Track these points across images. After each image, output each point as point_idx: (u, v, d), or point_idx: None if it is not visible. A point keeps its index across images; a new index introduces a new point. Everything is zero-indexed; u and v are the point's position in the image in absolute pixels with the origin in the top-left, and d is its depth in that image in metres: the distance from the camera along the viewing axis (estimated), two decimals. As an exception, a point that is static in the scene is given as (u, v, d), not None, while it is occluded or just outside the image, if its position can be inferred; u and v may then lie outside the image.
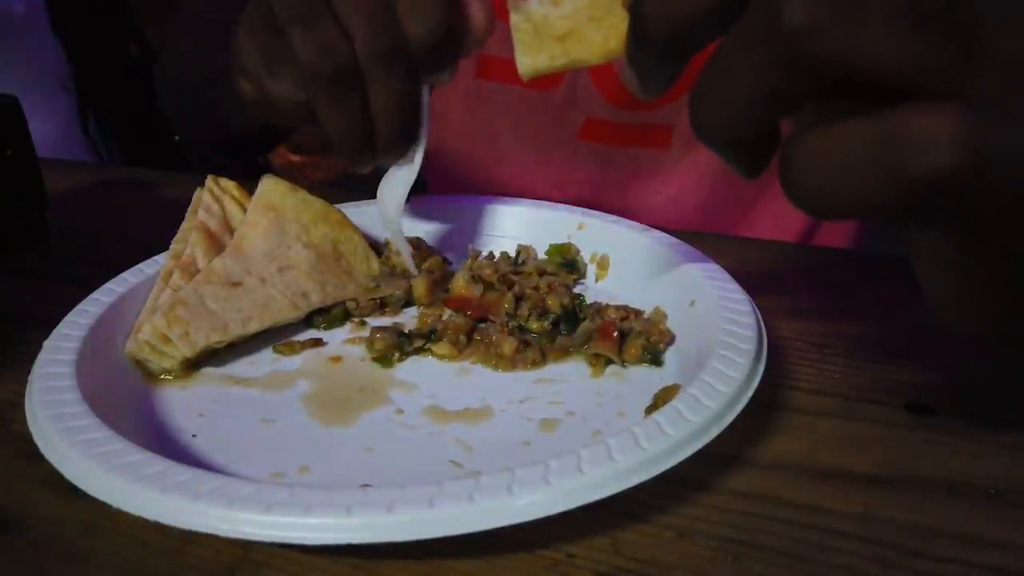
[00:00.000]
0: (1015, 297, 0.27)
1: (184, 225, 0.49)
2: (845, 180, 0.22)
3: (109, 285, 0.46)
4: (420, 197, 0.60)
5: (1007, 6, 0.22)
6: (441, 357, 0.45)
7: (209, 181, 0.50)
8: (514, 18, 0.30)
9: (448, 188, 0.86)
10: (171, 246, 0.48)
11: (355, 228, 0.52)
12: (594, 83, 0.74)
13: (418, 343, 0.45)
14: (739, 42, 0.23)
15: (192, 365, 0.43)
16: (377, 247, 0.53)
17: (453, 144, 0.83)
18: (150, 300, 0.45)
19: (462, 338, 0.46)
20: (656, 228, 0.53)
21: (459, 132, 0.82)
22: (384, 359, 0.45)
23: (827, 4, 0.21)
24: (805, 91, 0.23)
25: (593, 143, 0.77)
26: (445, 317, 0.47)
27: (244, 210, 0.50)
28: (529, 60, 0.30)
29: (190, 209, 0.50)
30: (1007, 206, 0.23)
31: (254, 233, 0.48)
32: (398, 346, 0.45)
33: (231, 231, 0.49)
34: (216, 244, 0.48)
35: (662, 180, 0.77)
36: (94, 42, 1.30)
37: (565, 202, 0.58)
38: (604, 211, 0.56)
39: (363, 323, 0.49)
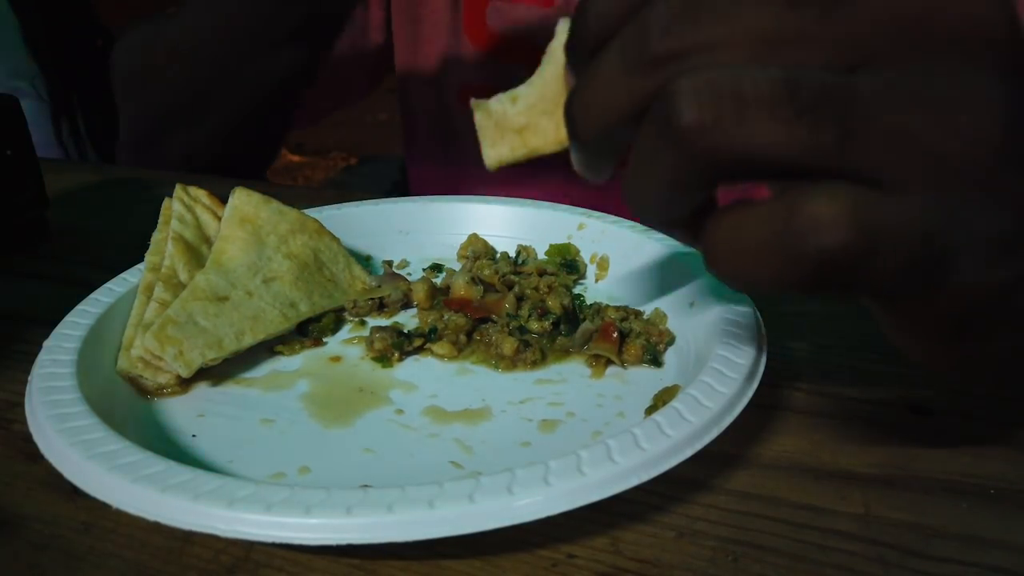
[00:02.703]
0: (943, 344, 0.29)
1: (155, 236, 0.48)
2: (755, 262, 0.24)
3: (109, 285, 0.46)
4: (418, 196, 0.60)
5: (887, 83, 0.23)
6: (441, 357, 0.45)
7: (178, 190, 0.49)
8: (477, 116, 0.33)
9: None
10: (146, 258, 0.47)
11: (332, 235, 0.51)
12: None
13: (418, 342, 0.45)
14: (645, 141, 0.25)
15: (188, 380, 0.42)
16: (358, 254, 0.53)
17: (450, 172, 0.84)
18: (134, 315, 0.44)
19: (462, 337, 0.46)
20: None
21: (458, 161, 0.83)
22: (383, 359, 0.45)
23: (712, 103, 0.23)
24: (710, 180, 0.25)
25: None
26: (445, 317, 0.47)
27: (217, 218, 0.49)
28: (493, 152, 0.33)
29: (160, 220, 0.49)
30: (909, 272, 0.24)
31: (233, 247, 0.47)
32: (397, 345, 0.45)
33: (207, 240, 0.48)
34: (194, 254, 0.47)
35: None
36: (63, 42, 1.30)
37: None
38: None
39: (363, 323, 0.49)
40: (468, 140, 0.76)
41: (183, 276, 0.45)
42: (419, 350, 0.46)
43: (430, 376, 0.44)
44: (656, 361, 0.44)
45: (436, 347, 0.45)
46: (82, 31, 1.39)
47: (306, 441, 0.38)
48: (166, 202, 0.49)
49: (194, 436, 0.38)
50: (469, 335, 0.46)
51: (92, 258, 0.58)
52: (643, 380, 0.42)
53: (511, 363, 0.44)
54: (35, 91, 1.25)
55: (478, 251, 0.56)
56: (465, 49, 0.76)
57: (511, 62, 0.73)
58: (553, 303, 0.47)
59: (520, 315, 0.47)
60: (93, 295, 0.45)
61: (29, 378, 0.38)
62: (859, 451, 0.37)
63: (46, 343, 0.40)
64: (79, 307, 0.43)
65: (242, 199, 0.49)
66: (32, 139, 0.61)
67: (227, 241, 0.47)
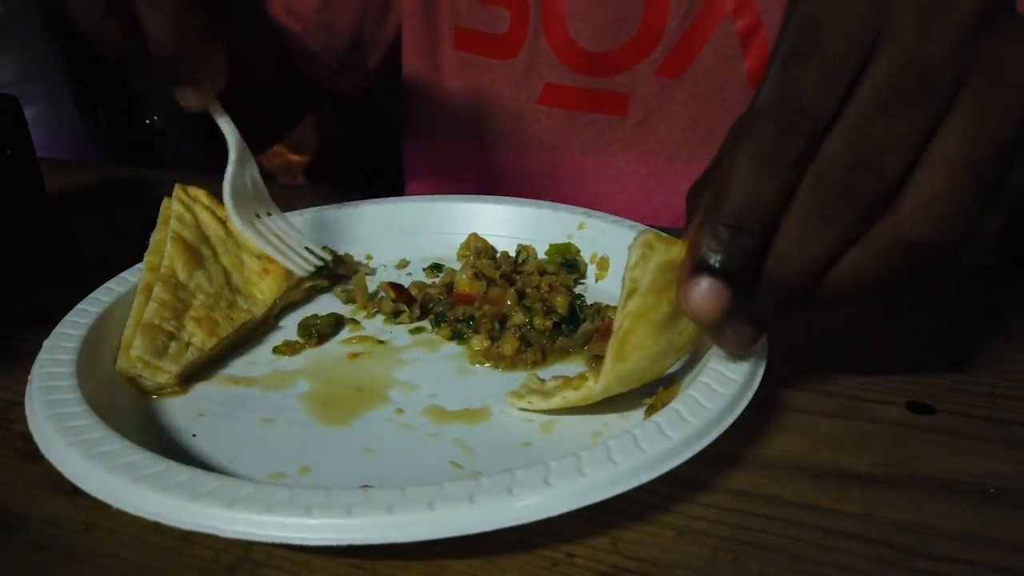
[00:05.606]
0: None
1: (155, 236, 0.48)
2: None
3: (109, 285, 0.46)
4: (418, 196, 0.60)
5: None
6: (475, 351, 0.45)
7: (177, 190, 0.49)
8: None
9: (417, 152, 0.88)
10: (145, 258, 0.47)
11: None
12: (553, 50, 0.77)
13: (457, 326, 0.47)
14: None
15: (188, 379, 0.42)
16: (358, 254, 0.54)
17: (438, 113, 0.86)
18: (133, 315, 0.44)
19: (496, 326, 0.47)
20: (654, 227, 0.53)
21: (443, 103, 0.85)
22: (395, 316, 0.49)
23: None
24: None
25: (552, 108, 0.79)
26: (484, 308, 0.48)
27: (216, 218, 0.49)
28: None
29: (160, 220, 0.49)
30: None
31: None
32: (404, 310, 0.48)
33: (207, 240, 0.48)
34: (194, 254, 0.47)
35: (621, 147, 0.79)
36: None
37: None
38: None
39: (360, 323, 0.49)
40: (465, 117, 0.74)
41: (182, 276, 0.45)
42: (458, 325, 0.47)
43: (430, 376, 0.44)
44: (656, 361, 0.43)
45: (473, 342, 0.45)
46: None
47: (306, 441, 0.38)
48: (165, 202, 0.49)
49: (194, 436, 0.38)
50: (502, 323, 0.47)
51: (92, 258, 0.58)
52: (643, 380, 0.42)
53: (511, 363, 0.44)
54: (47, 92, 1.24)
55: (478, 250, 0.56)
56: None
57: (497, 5, 0.77)
58: (554, 303, 0.47)
59: (530, 307, 0.47)
60: (93, 295, 0.45)
61: (29, 378, 0.38)
62: (859, 451, 0.37)
63: (46, 343, 0.40)
64: (79, 307, 0.43)
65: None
66: (33, 140, 0.61)
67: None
